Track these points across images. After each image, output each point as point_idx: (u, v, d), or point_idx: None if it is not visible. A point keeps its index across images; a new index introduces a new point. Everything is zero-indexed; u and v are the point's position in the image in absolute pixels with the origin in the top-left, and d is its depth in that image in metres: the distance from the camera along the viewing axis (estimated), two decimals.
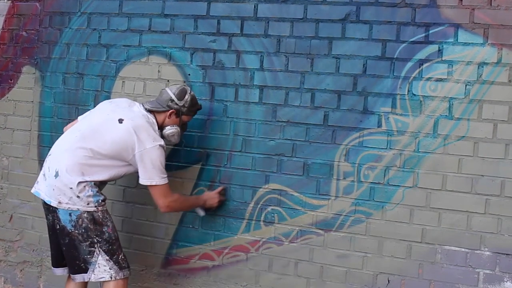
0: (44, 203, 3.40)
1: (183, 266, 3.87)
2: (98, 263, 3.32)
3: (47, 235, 3.53)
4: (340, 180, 3.53)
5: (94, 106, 4.00)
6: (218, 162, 3.77)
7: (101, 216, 3.35)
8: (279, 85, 3.65)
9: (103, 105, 3.59)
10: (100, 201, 3.35)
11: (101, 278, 3.34)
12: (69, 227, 3.30)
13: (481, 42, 3.29)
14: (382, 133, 3.45)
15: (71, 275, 3.42)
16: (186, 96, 3.50)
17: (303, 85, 3.61)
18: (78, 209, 3.29)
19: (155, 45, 3.93)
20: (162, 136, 3.46)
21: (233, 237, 3.74)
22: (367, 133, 3.48)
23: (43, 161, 3.53)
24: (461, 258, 3.32)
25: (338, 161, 3.53)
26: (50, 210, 3.36)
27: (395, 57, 3.43)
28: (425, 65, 3.38)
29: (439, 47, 3.35)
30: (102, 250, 3.32)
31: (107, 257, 3.33)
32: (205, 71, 3.81)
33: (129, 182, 3.90)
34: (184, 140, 3.74)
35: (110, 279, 3.34)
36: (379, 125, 3.46)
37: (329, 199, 3.55)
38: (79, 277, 3.36)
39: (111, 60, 4.04)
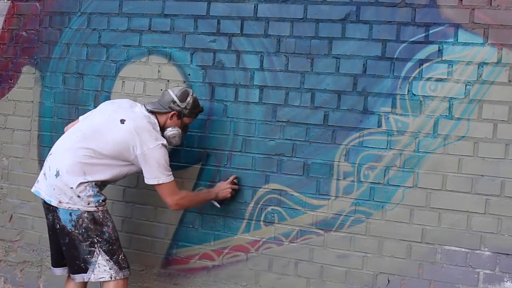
0: (44, 203, 3.40)
1: (183, 266, 3.87)
2: (98, 263, 3.32)
3: (47, 235, 3.53)
4: (340, 180, 3.53)
5: (94, 106, 4.01)
6: (218, 162, 3.77)
7: (101, 216, 3.35)
8: (279, 85, 3.65)
9: (105, 106, 3.59)
10: (100, 201, 3.35)
11: (101, 278, 3.34)
12: (69, 226, 3.30)
13: (481, 42, 3.29)
14: (382, 133, 3.45)
15: (71, 275, 3.42)
16: (188, 98, 3.50)
17: (303, 85, 3.61)
18: (78, 208, 3.29)
19: (155, 45, 3.93)
20: (163, 137, 3.46)
21: (233, 237, 3.74)
22: (367, 133, 3.48)
23: (43, 161, 3.53)
24: (461, 258, 3.32)
25: (338, 161, 3.53)
26: (50, 210, 3.36)
27: (395, 57, 3.43)
28: (425, 65, 3.38)
29: (439, 47, 3.35)
30: (102, 250, 3.32)
31: (107, 257, 3.33)
32: (205, 71, 3.81)
33: (129, 182, 3.90)
34: (184, 141, 3.74)
35: (110, 279, 3.34)
36: (379, 125, 3.46)
37: (329, 199, 3.55)
38: (78, 277, 3.36)
39: (111, 60, 4.04)
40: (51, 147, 3.52)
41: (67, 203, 3.29)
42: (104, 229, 3.34)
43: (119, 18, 4.01)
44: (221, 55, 3.77)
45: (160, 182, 3.37)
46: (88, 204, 3.30)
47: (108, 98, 4.00)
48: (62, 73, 4.16)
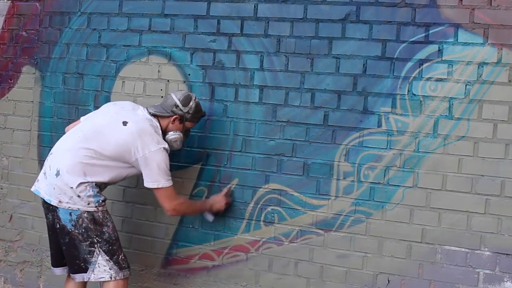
0: (44, 202, 3.40)
1: (183, 266, 3.87)
2: (98, 263, 3.32)
3: (47, 235, 3.52)
4: (340, 180, 3.53)
5: (94, 106, 4.01)
6: (218, 162, 3.77)
7: (101, 216, 3.34)
8: (279, 85, 3.65)
9: (107, 107, 3.59)
10: (100, 201, 3.35)
11: (101, 278, 3.34)
12: (69, 226, 3.30)
13: (481, 42, 3.29)
14: (382, 133, 3.45)
15: (71, 274, 3.42)
16: (191, 103, 3.50)
17: (303, 85, 3.61)
18: (78, 208, 3.29)
19: (155, 45, 3.93)
20: (165, 141, 3.46)
21: (233, 237, 3.74)
22: (367, 133, 3.48)
23: (43, 161, 3.53)
24: (461, 258, 3.32)
25: (338, 161, 3.53)
26: (50, 209, 3.36)
27: (395, 57, 3.43)
28: (425, 65, 3.38)
29: (439, 47, 3.35)
30: (102, 250, 3.32)
31: (107, 257, 3.33)
32: (205, 71, 3.81)
33: (129, 182, 3.90)
34: (184, 142, 3.74)
35: (110, 279, 3.34)
36: (379, 125, 3.46)
37: (329, 199, 3.55)
38: (78, 277, 3.36)
39: (111, 60, 4.04)
40: (51, 147, 3.52)
41: (67, 202, 3.29)
42: (104, 229, 3.34)
43: (119, 18, 4.01)
44: (221, 55, 3.77)
45: (160, 186, 3.37)
46: (88, 204, 3.30)
47: (108, 98, 4.00)
48: (62, 73, 4.16)
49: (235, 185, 3.73)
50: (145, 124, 3.40)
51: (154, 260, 3.93)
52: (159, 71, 3.92)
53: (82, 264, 3.33)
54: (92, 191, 3.31)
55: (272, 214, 3.66)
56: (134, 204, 3.97)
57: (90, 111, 3.97)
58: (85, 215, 3.30)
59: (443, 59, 3.35)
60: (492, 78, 3.27)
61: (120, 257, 3.39)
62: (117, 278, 3.35)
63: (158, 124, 3.47)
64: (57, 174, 3.31)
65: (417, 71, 3.39)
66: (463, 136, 3.32)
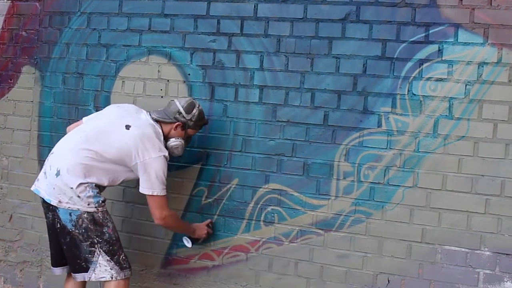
0: (44, 202, 3.39)
1: (183, 266, 3.87)
2: (99, 263, 3.32)
3: (47, 235, 3.52)
4: (340, 180, 3.53)
5: (94, 106, 4.01)
6: (218, 162, 3.77)
7: (101, 217, 3.34)
8: (279, 85, 3.65)
9: (110, 109, 3.59)
10: (100, 201, 3.35)
11: (101, 278, 3.34)
12: (69, 226, 3.30)
13: (481, 42, 3.29)
14: (382, 133, 3.45)
15: (72, 273, 3.42)
16: (194, 110, 3.50)
17: (303, 85, 3.61)
18: (78, 209, 3.29)
19: (155, 45, 3.92)
20: (166, 147, 3.46)
21: (233, 237, 3.74)
22: (367, 133, 3.48)
23: (43, 161, 3.53)
24: (461, 258, 3.32)
25: (338, 161, 3.53)
26: (50, 209, 3.36)
27: (395, 57, 3.43)
28: (425, 65, 3.38)
29: (439, 47, 3.35)
30: (103, 251, 3.32)
31: (108, 258, 3.33)
32: (205, 71, 3.81)
33: (129, 182, 3.88)
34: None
35: (111, 279, 3.34)
36: (379, 125, 3.46)
37: (329, 199, 3.55)
38: (79, 276, 3.36)
39: (111, 60, 4.04)
40: (51, 147, 3.51)
41: (66, 203, 3.29)
42: (104, 230, 3.34)
43: (119, 18, 4.01)
44: (221, 55, 3.77)
45: (154, 194, 3.37)
46: (88, 204, 3.30)
47: (108, 98, 4.00)
48: (62, 73, 4.16)
49: (235, 185, 3.73)
50: (147, 129, 3.40)
51: (154, 260, 3.93)
52: (159, 71, 3.92)
53: (83, 263, 3.33)
54: (92, 191, 3.31)
55: (272, 214, 3.66)
56: (134, 204, 3.97)
57: (90, 111, 3.99)
58: (85, 215, 3.29)
59: (443, 59, 3.35)
60: (492, 78, 3.27)
61: (121, 257, 3.39)
62: (118, 278, 3.35)
63: (160, 130, 3.47)
64: (57, 174, 3.31)
65: (417, 71, 3.39)
66: (463, 136, 3.32)
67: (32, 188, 3.49)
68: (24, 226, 4.27)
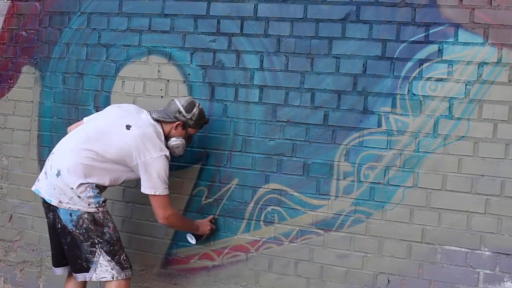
0: (44, 202, 3.39)
1: (183, 266, 3.87)
2: (100, 263, 3.32)
3: (47, 235, 3.52)
4: (340, 180, 3.53)
5: (94, 106, 4.01)
6: (218, 162, 3.77)
7: (101, 217, 3.34)
8: (279, 85, 3.65)
9: (111, 109, 3.58)
10: (101, 202, 3.35)
11: (102, 278, 3.34)
12: (70, 226, 3.30)
13: (481, 42, 3.29)
14: (382, 133, 3.45)
15: (73, 273, 3.42)
16: (194, 109, 3.50)
17: (303, 85, 3.61)
18: (78, 209, 3.29)
19: (155, 45, 3.92)
20: (167, 147, 3.46)
21: (233, 237, 3.74)
22: (367, 133, 3.48)
23: (43, 161, 3.53)
24: (461, 258, 3.33)
25: (338, 161, 3.53)
26: (50, 209, 3.36)
27: (395, 57, 3.43)
28: (425, 65, 3.38)
29: (439, 47, 3.35)
30: (103, 251, 3.32)
31: (109, 258, 3.33)
32: (205, 71, 3.81)
33: (129, 182, 3.88)
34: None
35: (112, 279, 3.34)
36: (379, 125, 3.46)
37: (329, 199, 3.55)
38: (80, 276, 3.36)
39: (111, 60, 4.04)
40: (51, 147, 3.52)
41: (67, 203, 3.29)
42: (104, 230, 3.34)
43: (119, 18, 4.01)
44: (221, 55, 3.77)
45: (157, 194, 3.36)
46: (89, 205, 3.30)
47: (108, 98, 4.00)
48: (62, 73, 4.16)
49: (235, 185, 3.73)
50: (148, 129, 3.40)
51: (154, 260, 3.94)
52: (159, 71, 3.92)
53: (84, 263, 3.33)
54: (92, 192, 3.31)
55: (272, 214, 3.66)
56: (134, 204, 3.97)
57: (90, 111, 3.99)
58: (86, 216, 3.29)
59: (443, 59, 3.35)
60: (492, 78, 3.27)
61: (122, 257, 3.39)
62: (119, 278, 3.35)
63: (161, 130, 3.47)
64: (58, 174, 3.31)
65: (417, 71, 3.39)
66: (463, 136, 3.32)
67: (32, 188, 3.49)
68: (24, 226, 4.27)
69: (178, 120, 3.49)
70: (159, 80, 3.91)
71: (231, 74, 3.75)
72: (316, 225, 3.58)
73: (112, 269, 3.34)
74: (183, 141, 3.52)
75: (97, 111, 3.89)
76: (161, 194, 3.37)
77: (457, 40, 3.32)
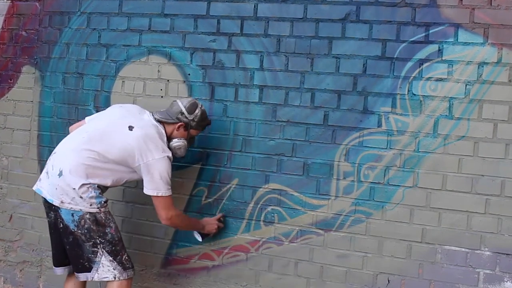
0: (46, 201, 3.39)
1: (183, 266, 3.87)
2: (102, 263, 3.32)
3: (47, 235, 3.52)
4: (340, 180, 3.53)
5: (94, 106, 4.01)
6: (218, 162, 3.77)
7: (103, 217, 3.34)
8: (279, 85, 3.65)
9: (113, 109, 3.58)
10: (102, 202, 3.35)
11: (104, 278, 3.34)
12: (72, 226, 3.30)
13: (481, 42, 3.29)
14: (382, 133, 3.45)
15: (75, 273, 3.41)
16: (197, 111, 3.50)
17: (303, 85, 3.61)
18: (80, 209, 3.28)
19: (155, 45, 3.92)
20: (169, 148, 3.45)
21: (233, 237, 3.74)
22: (367, 133, 3.48)
23: (43, 161, 3.53)
24: (461, 258, 3.33)
25: (338, 161, 3.53)
26: (52, 209, 3.36)
27: (395, 57, 3.43)
28: (425, 65, 3.38)
29: (439, 47, 3.35)
30: (105, 251, 3.32)
31: (111, 258, 3.33)
32: (205, 71, 3.81)
33: (129, 182, 3.88)
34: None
35: (113, 279, 3.34)
36: (379, 125, 3.46)
37: (329, 199, 3.55)
38: (82, 276, 3.36)
39: (111, 60, 4.04)
40: (51, 147, 3.52)
41: (69, 203, 3.29)
42: (106, 230, 3.34)
43: (119, 18, 4.00)
44: (221, 55, 3.77)
45: (160, 195, 3.36)
46: (91, 205, 3.30)
47: (108, 98, 4.00)
48: (62, 73, 4.16)
49: (235, 185, 3.73)
50: (151, 130, 3.40)
51: (154, 260, 3.94)
52: (159, 71, 3.91)
53: (86, 263, 3.33)
54: (94, 192, 3.31)
55: (272, 214, 3.66)
56: (134, 204, 3.97)
57: (90, 111, 3.99)
58: (87, 216, 3.29)
59: (443, 59, 3.35)
60: (492, 78, 3.27)
61: (124, 257, 3.39)
62: (121, 278, 3.35)
63: (163, 131, 3.46)
64: (60, 174, 3.31)
65: (417, 71, 3.39)
66: (463, 136, 3.32)
67: (34, 188, 3.49)
68: (24, 226, 4.27)
69: (180, 121, 3.48)
70: (159, 80, 3.91)
71: (231, 74, 3.75)
72: (316, 225, 3.58)
73: (114, 269, 3.33)
74: (185, 142, 3.52)
75: (97, 111, 3.89)
76: (163, 195, 3.36)
77: (457, 40, 3.32)
